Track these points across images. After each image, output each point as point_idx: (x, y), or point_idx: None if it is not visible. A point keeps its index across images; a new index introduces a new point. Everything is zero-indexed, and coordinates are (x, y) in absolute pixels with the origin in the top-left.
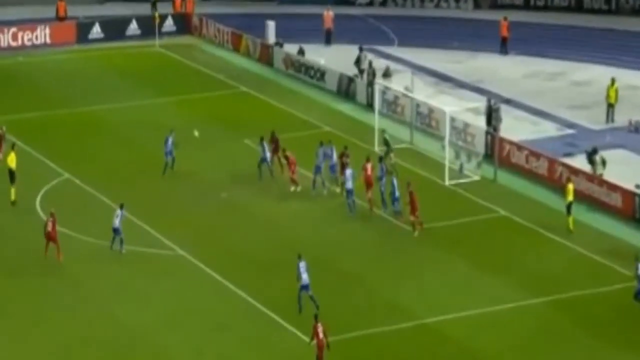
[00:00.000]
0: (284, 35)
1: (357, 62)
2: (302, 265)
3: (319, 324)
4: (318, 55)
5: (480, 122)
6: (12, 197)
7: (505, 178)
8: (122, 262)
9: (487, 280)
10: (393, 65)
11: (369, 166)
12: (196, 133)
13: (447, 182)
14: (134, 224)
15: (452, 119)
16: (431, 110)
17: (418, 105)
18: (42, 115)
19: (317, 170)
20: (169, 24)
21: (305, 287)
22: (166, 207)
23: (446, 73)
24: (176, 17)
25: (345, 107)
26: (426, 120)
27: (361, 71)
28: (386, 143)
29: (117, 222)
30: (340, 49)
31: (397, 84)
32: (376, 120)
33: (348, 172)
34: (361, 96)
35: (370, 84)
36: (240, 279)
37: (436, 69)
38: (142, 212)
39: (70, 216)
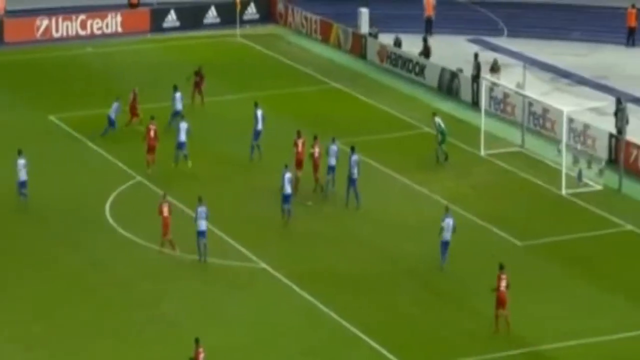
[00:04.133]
0: (378, 24)
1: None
2: (202, 210)
3: (201, 349)
4: (417, 46)
5: (604, 123)
6: None
7: (631, 187)
8: (200, 277)
9: (611, 303)
10: (502, 59)
11: (300, 142)
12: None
13: (563, 191)
14: (212, 233)
15: (570, 120)
16: (546, 109)
17: (531, 104)
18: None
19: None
20: (251, 12)
21: (201, 234)
22: (244, 214)
23: (564, 68)
24: (259, 3)
25: (447, 106)
26: (540, 121)
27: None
28: (440, 129)
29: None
30: (442, 39)
31: (507, 79)
32: (482, 121)
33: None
34: (465, 93)
35: (476, 79)
36: (330, 297)
37: (552, 62)
38: (218, 219)
39: (142, 223)
